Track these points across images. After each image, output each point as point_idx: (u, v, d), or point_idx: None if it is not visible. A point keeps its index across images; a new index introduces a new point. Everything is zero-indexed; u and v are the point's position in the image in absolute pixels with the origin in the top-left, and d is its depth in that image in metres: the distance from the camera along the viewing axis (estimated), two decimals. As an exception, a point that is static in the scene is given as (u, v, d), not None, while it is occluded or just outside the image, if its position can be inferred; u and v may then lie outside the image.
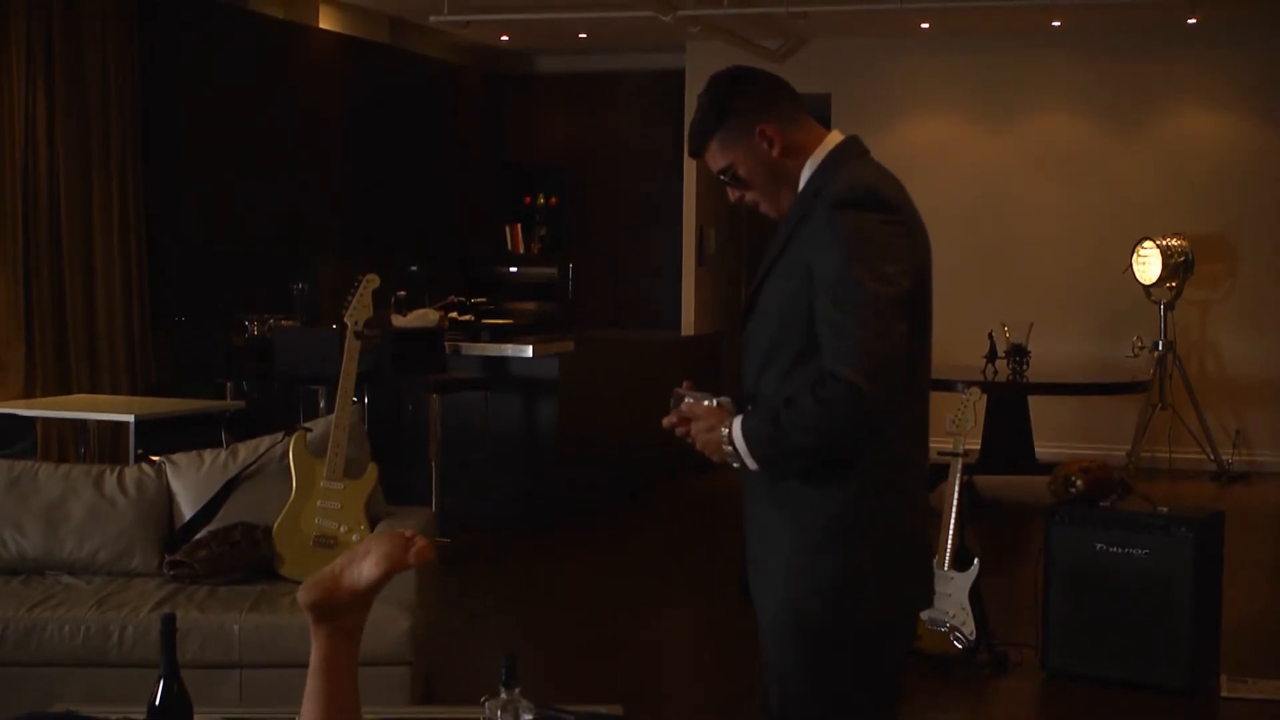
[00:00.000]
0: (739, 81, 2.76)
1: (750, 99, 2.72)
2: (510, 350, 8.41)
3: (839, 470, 2.62)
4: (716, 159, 2.75)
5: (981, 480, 9.00)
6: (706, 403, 2.72)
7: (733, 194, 2.79)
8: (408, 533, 2.25)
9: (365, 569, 2.16)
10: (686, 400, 2.75)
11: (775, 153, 2.70)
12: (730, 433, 2.64)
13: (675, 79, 11.66)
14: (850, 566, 2.63)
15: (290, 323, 8.87)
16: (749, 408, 2.71)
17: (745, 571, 2.84)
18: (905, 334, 2.55)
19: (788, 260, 2.65)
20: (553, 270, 12.00)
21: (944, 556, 5.33)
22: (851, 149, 2.73)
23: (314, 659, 2.06)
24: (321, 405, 7.91)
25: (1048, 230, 10.88)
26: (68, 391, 7.82)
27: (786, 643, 2.67)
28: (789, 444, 2.58)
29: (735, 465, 2.66)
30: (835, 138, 2.74)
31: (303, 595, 2.09)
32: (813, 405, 2.53)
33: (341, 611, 2.17)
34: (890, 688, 2.75)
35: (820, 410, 2.53)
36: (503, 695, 2.65)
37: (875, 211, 2.60)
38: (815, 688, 2.66)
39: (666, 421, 2.76)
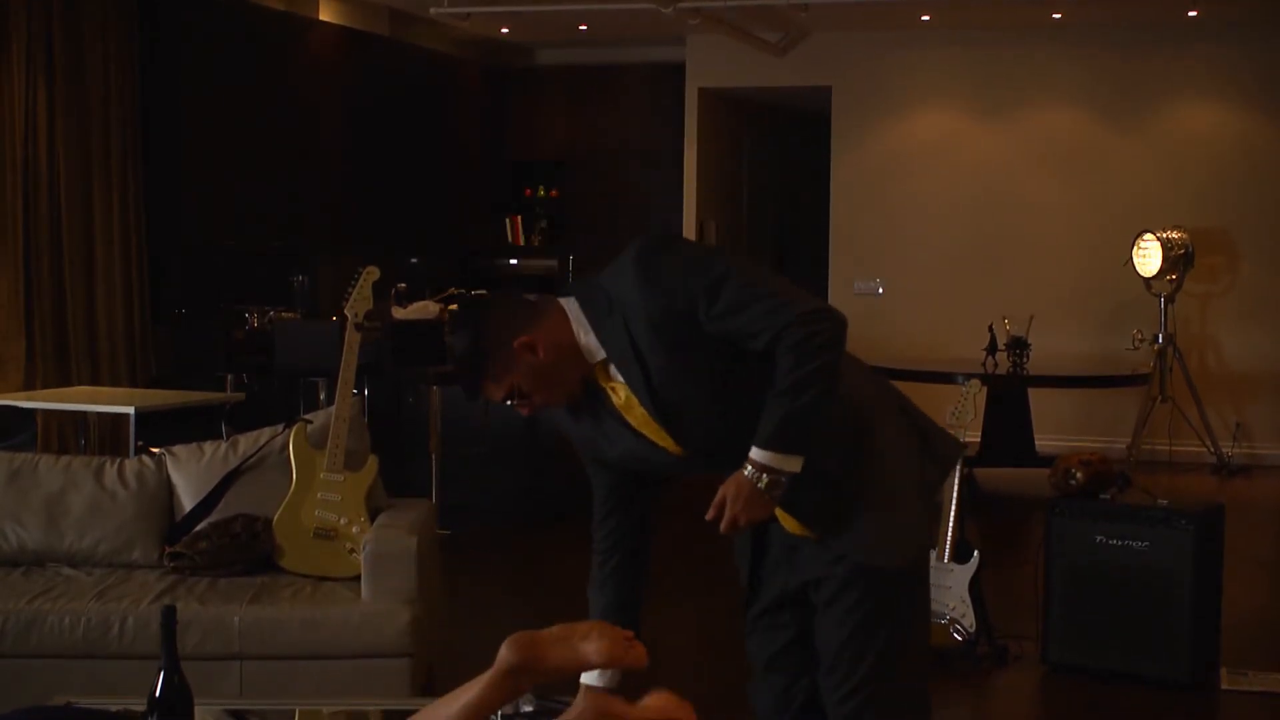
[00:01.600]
0: (476, 315, 2.78)
1: (495, 325, 2.74)
2: (511, 343, 8.39)
3: (859, 438, 2.77)
4: (496, 392, 2.77)
5: (982, 473, 9.00)
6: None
7: (525, 409, 2.81)
8: (629, 634, 2.25)
9: (583, 653, 2.14)
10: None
11: (541, 355, 2.72)
12: (759, 463, 2.65)
13: (676, 72, 11.65)
14: (921, 506, 2.90)
15: (290, 315, 8.87)
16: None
17: (754, 585, 2.96)
18: (784, 280, 2.72)
19: (654, 354, 2.68)
20: (553, 263, 12.00)
21: (944, 549, 5.32)
22: (584, 283, 2.79)
23: (471, 697, 2.05)
24: (321, 397, 7.91)
25: (1048, 223, 10.87)
26: (68, 386, 7.82)
27: (873, 595, 2.78)
28: (807, 407, 2.63)
29: (779, 490, 2.67)
30: (566, 299, 2.77)
31: (508, 654, 2.08)
32: (795, 361, 2.61)
33: (531, 675, 2.16)
34: None
35: (803, 355, 2.61)
36: None
37: (668, 244, 2.74)
38: (903, 627, 2.83)
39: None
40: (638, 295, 2.66)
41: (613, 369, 2.74)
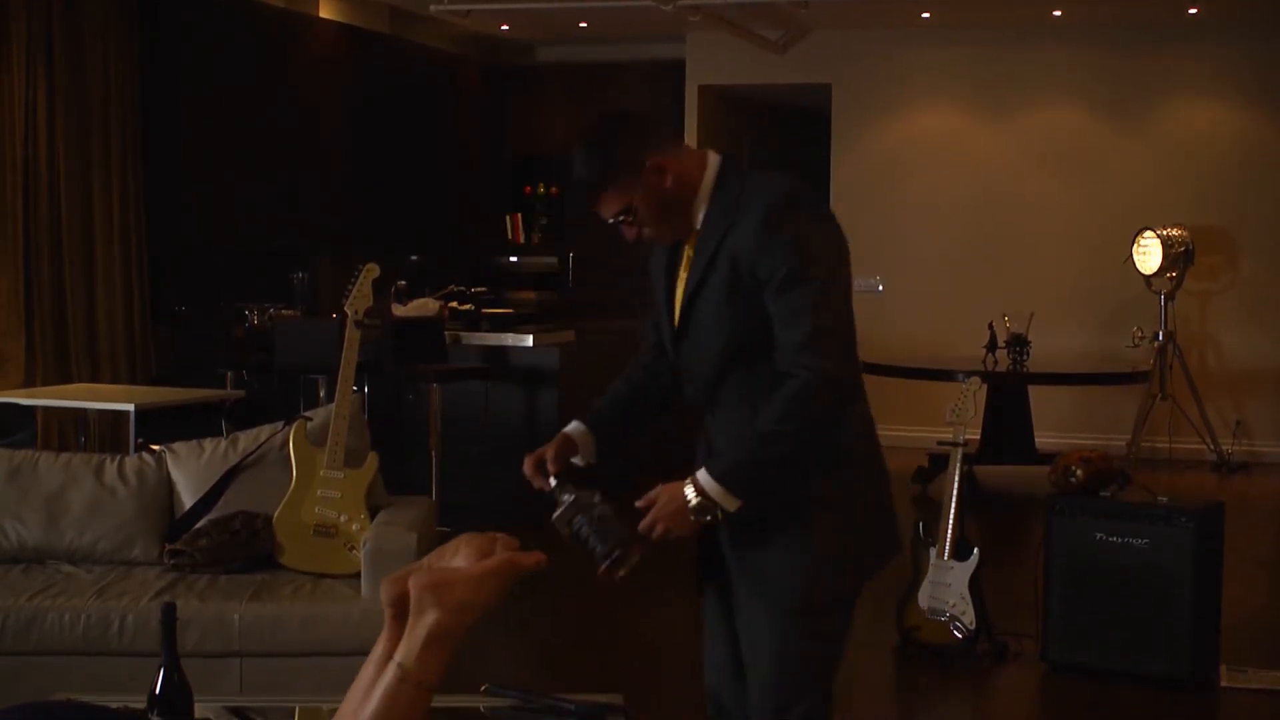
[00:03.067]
0: (617, 123, 2.79)
1: (633, 137, 2.75)
2: (511, 340, 8.40)
3: (823, 454, 2.74)
4: (612, 205, 2.77)
5: (982, 470, 9.00)
6: (585, 497, 2.72)
7: (630, 233, 2.81)
8: (496, 535, 2.24)
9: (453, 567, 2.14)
10: (568, 499, 2.73)
11: (669, 183, 2.74)
12: (701, 488, 2.68)
13: (676, 69, 11.65)
14: (848, 537, 2.80)
15: (290, 313, 8.87)
16: (708, 457, 2.80)
17: (702, 568, 2.99)
18: (851, 315, 2.71)
19: (720, 274, 2.72)
20: (553, 260, 12.00)
21: (944, 546, 5.32)
22: (737, 162, 2.81)
23: (378, 651, 2.05)
24: (321, 395, 7.90)
25: (1048, 221, 10.87)
26: (68, 384, 7.82)
27: (795, 619, 2.79)
28: (770, 461, 2.66)
29: (708, 519, 2.71)
30: (715, 155, 2.80)
31: (384, 593, 2.08)
32: (783, 413, 2.63)
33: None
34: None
35: (792, 412, 2.63)
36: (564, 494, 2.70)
37: (809, 211, 2.72)
38: (819, 653, 2.83)
39: (557, 521, 2.73)
40: (749, 229, 2.68)
41: (700, 243, 2.78)
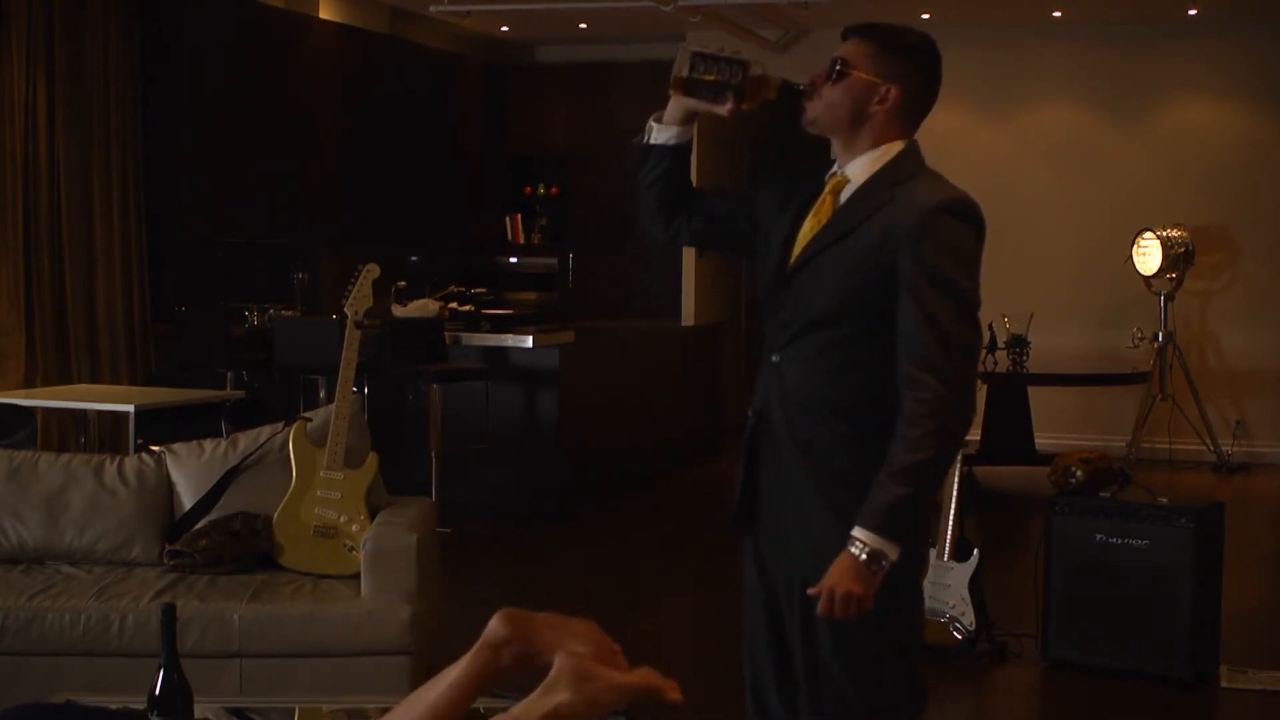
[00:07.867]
0: (930, 54, 2.94)
1: (917, 66, 2.88)
2: (510, 340, 8.40)
3: (874, 435, 2.71)
4: (846, 51, 2.81)
5: (982, 470, 9.00)
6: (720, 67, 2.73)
7: (818, 79, 2.82)
8: (616, 648, 2.22)
9: (569, 648, 2.13)
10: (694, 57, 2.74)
11: (876, 107, 2.81)
12: (866, 544, 2.60)
13: (676, 69, 11.64)
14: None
15: (290, 312, 8.88)
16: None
17: (740, 507, 2.91)
18: (981, 340, 2.78)
19: (860, 241, 2.75)
20: (553, 260, 12.01)
21: (944, 547, 5.32)
22: (919, 153, 2.94)
23: (455, 675, 2.05)
24: (321, 395, 7.91)
25: (1048, 221, 10.87)
26: (68, 382, 7.82)
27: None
28: (917, 497, 2.65)
29: (880, 575, 2.63)
30: (903, 142, 2.91)
31: (499, 625, 2.09)
32: (916, 442, 2.62)
33: (516, 654, 2.16)
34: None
35: (925, 438, 2.62)
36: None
37: (975, 228, 2.87)
38: (876, 624, 2.75)
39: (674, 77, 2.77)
40: (918, 215, 2.75)
41: (843, 193, 2.81)
